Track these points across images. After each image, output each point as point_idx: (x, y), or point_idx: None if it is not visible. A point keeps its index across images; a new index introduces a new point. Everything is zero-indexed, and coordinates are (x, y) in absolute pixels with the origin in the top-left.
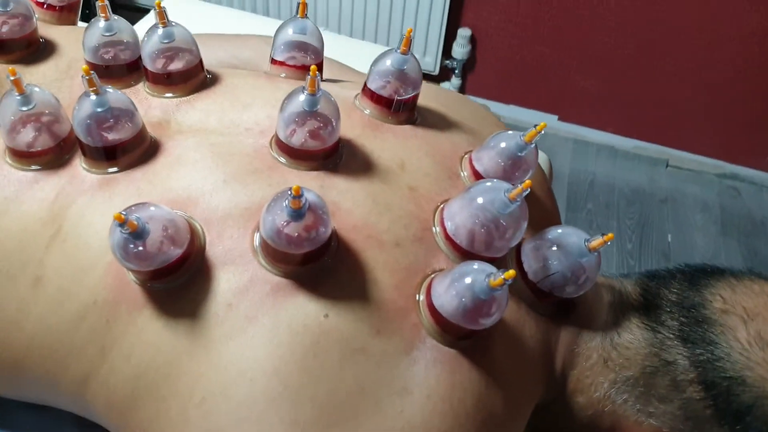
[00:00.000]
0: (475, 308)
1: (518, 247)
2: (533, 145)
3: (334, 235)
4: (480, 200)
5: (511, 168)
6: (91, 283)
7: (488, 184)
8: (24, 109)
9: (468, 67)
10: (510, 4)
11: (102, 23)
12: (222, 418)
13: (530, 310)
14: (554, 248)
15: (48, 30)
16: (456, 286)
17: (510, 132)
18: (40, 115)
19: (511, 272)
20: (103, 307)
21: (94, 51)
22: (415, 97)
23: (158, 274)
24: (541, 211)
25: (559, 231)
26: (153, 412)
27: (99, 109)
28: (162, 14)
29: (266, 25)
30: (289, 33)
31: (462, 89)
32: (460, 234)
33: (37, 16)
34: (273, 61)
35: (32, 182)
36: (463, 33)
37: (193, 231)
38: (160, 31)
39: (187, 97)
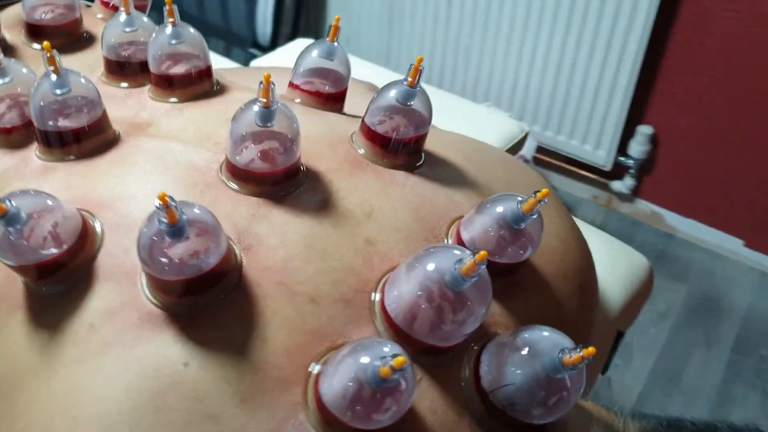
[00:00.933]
0: (361, 400)
1: (486, 341)
2: (535, 216)
3: (235, 271)
4: (430, 268)
5: (504, 242)
6: None
7: (452, 251)
8: (1, 81)
9: (645, 168)
10: (701, 105)
11: (123, 17)
12: None
13: (477, 427)
14: (522, 352)
15: (100, 27)
16: (346, 367)
17: (513, 196)
18: (15, 94)
19: (401, 360)
20: None
21: (112, 46)
22: (419, 138)
23: (34, 274)
24: (554, 313)
25: (543, 333)
26: None
27: (57, 91)
28: (172, 12)
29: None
30: (313, 57)
31: (635, 191)
32: (398, 308)
33: (101, 15)
34: (290, 85)
35: None
36: (644, 130)
37: (87, 235)
38: (169, 30)
39: (181, 104)
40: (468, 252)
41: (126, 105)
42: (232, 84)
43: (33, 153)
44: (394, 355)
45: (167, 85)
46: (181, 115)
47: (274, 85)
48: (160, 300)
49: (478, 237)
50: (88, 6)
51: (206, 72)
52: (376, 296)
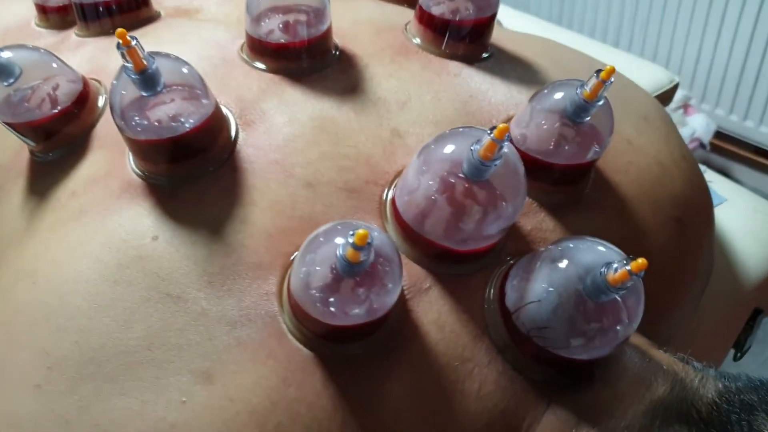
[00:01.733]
0: (327, 288)
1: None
2: (600, 103)
3: (227, 145)
4: (446, 152)
5: (562, 139)
6: (6, 144)
7: (471, 131)
8: None
9: None
10: None
11: None
12: None
13: (497, 356)
14: (559, 264)
15: None
16: (314, 248)
17: (573, 81)
18: None
19: (362, 233)
20: (1, 171)
21: None
22: (482, 22)
23: (32, 137)
24: (629, 242)
25: (592, 245)
26: None
27: None
28: None
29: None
30: None
31: None
32: (408, 202)
33: None
34: None
35: (37, 37)
36: None
37: (86, 101)
38: None
39: None
40: (487, 130)
41: None
42: None
43: (74, 31)
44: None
45: None
46: (231, 2)
47: None
48: (142, 169)
49: (530, 133)
50: None
51: None
52: (389, 193)
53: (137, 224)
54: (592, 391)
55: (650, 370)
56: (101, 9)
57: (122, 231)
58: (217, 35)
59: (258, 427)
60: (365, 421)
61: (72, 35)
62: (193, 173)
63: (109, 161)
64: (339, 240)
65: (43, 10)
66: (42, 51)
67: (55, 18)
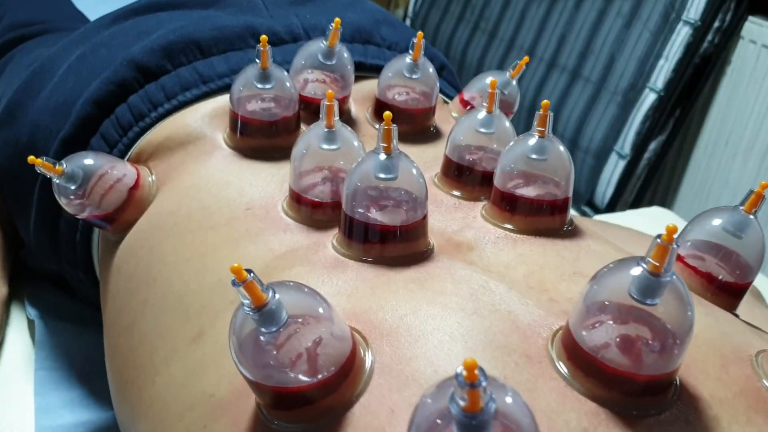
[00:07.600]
0: None
1: None
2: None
3: None
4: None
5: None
6: (223, 372)
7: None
8: (326, 147)
9: None
10: None
11: (482, 115)
12: None
13: None
14: None
15: (448, 125)
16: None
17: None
18: (336, 167)
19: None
20: (212, 402)
21: (457, 145)
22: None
23: (269, 399)
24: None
25: None
26: None
27: (382, 174)
28: (545, 119)
29: None
30: (715, 225)
31: None
32: None
33: (455, 114)
34: None
35: (284, 228)
36: None
37: (351, 370)
38: (533, 141)
39: (516, 235)
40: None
41: (452, 217)
42: (587, 229)
43: (330, 240)
44: None
45: (508, 206)
46: (513, 248)
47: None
48: None
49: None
50: (446, 102)
51: (562, 204)
52: None
53: None
54: None
55: None
56: (371, 231)
57: None
58: (514, 309)
59: None
60: None
61: (329, 245)
62: None
63: None
64: None
65: (297, 199)
66: (307, 290)
67: (307, 212)
